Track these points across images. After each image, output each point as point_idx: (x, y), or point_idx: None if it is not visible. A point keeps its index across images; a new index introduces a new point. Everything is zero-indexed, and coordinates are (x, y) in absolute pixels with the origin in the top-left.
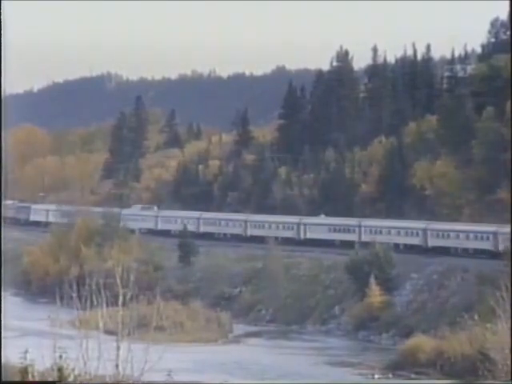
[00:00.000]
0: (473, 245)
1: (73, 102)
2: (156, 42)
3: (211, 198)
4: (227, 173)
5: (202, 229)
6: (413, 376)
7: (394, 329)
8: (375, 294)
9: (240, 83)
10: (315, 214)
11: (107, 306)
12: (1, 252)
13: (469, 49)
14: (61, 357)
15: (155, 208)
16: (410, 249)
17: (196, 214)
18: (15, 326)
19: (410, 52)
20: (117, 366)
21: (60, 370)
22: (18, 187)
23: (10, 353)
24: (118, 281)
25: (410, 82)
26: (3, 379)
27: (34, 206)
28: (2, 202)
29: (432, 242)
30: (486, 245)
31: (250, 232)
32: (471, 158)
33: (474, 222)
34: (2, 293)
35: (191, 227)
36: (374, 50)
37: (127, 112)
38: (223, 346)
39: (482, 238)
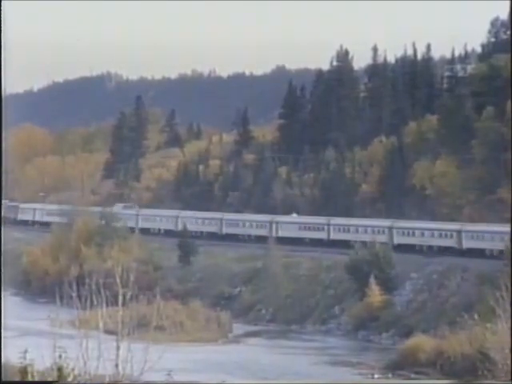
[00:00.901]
0: (437, 242)
1: (73, 101)
2: (156, 41)
3: (212, 197)
4: (228, 172)
5: (181, 227)
6: (413, 376)
7: (393, 328)
8: (375, 294)
9: (240, 83)
10: (315, 213)
11: (107, 305)
12: (0, 252)
13: (469, 48)
14: (60, 356)
15: (137, 207)
16: None
17: (175, 212)
18: (15, 326)
19: (410, 52)
20: (116, 365)
21: (60, 369)
22: (19, 187)
23: (10, 352)
24: (118, 280)
25: (410, 82)
26: (3, 379)
27: (21, 205)
28: (2, 202)
29: (398, 240)
30: (449, 242)
31: (225, 230)
32: (471, 157)
33: (474, 222)
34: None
35: (170, 225)
36: (374, 49)
37: (127, 112)
38: (223, 345)
39: (446, 236)
